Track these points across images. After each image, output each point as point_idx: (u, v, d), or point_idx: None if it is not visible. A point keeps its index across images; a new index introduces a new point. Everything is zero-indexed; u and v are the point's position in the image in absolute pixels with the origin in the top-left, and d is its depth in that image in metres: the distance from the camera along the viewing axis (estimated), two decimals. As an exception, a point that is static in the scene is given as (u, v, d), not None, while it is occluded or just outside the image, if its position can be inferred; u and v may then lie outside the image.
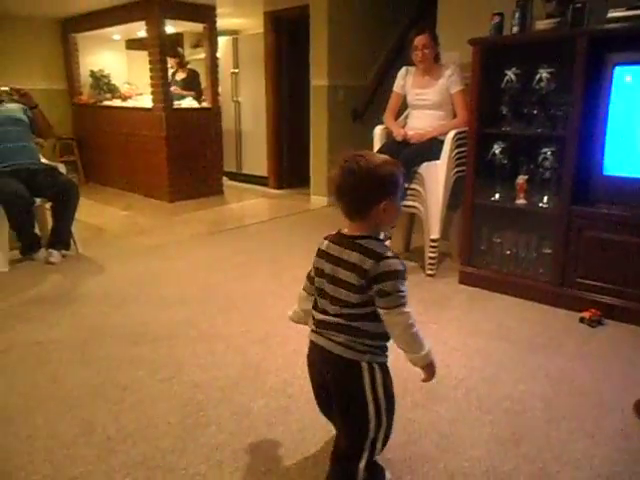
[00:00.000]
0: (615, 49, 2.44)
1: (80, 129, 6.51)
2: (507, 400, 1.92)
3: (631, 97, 2.46)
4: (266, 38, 5.82)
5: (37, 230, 3.58)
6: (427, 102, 3.27)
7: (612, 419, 1.81)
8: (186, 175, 5.53)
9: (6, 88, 3.68)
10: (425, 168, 3.13)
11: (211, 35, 5.59)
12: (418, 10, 5.21)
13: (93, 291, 3.02)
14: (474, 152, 2.93)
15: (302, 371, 1.45)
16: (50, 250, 3.49)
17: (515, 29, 2.75)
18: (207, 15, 5.48)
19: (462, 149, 3.13)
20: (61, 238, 3.55)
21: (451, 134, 3.11)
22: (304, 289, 1.50)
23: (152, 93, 5.32)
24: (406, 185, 3.15)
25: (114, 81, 6.50)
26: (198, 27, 5.66)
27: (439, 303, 2.83)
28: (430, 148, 3.14)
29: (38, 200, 3.49)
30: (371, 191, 1.27)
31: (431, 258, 3.20)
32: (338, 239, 1.35)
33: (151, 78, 5.26)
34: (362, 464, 1.33)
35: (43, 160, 3.78)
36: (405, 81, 3.39)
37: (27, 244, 3.49)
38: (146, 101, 5.61)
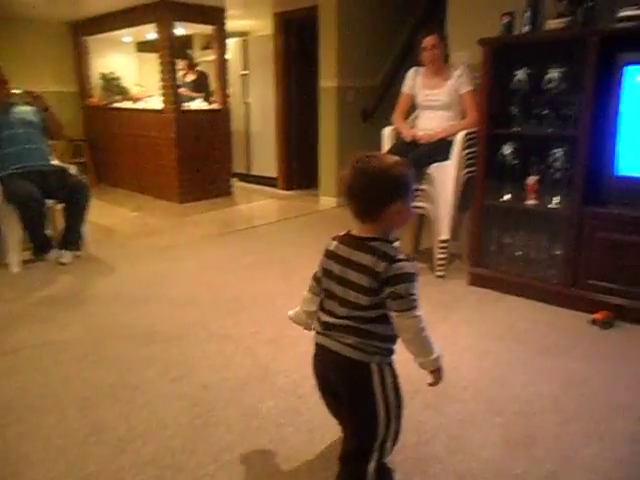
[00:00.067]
0: (626, 48, 2.42)
1: (91, 131, 6.56)
2: (517, 402, 1.91)
3: (642, 97, 2.44)
4: (275, 39, 5.83)
5: (49, 231, 3.62)
6: (436, 103, 3.26)
7: (624, 422, 1.79)
8: (196, 176, 5.55)
9: (19, 91, 3.72)
10: (435, 169, 3.12)
11: (220, 37, 5.61)
12: (426, 11, 5.20)
13: (104, 292, 3.04)
14: (484, 153, 2.92)
15: (312, 372, 1.45)
16: (61, 251, 3.52)
17: (525, 29, 2.74)
18: (216, 17, 5.50)
19: (472, 149, 3.11)
20: (72, 239, 3.58)
21: (461, 135, 3.09)
22: (309, 290, 1.48)
23: (162, 95, 5.35)
24: (416, 186, 3.14)
25: (124, 83, 6.55)
26: (208, 29, 5.69)
27: (448, 304, 2.82)
28: (440, 149, 3.13)
29: (50, 201, 3.53)
30: (383, 192, 1.26)
31: (440, 259, 3.19)
32: (348, 240, 1.34)
33: (161, 80, 5.29)
34: (372, 465, 1.32)
35: (54, 162, 3.81)
36: (414, 82, 3.38)
37: (39, 245, 3.52)
38: (156, 103, 5.64)
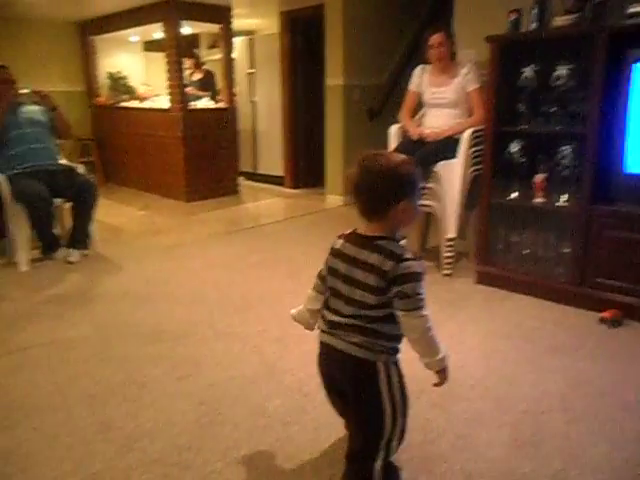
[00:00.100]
0: (635, 45, 2.40)
1: (98, 130, 6.59)
2: (525, 401, 1.90)
3: (652, 94, 2.42)
4: (281, 38, 5.83)
5: (57, 230, 3.64)
6: (443, 100, 3.25)
7: (632, 421, 1.78)
8: (203, 175, 5.56)
9: (27, 90, 3.74)
10: (441, 167, 3.11)
11: (227, 36, 5.62)
12: (433, 8, 5.18)
13: (111, 290, 3.05)
14: (491, 150, 2.91)
15: (317, 371, 1.45)
16: (69, 250, 3.54)
17: (533, 26, 2.72)
18: (223, 16, 5.51)
19: (479, 147, 3.10)
20: (80, 238, 3.60)
21: (468, 132, 3.08)
22: (314, 288, 1.47)
23: (169, 94, 5.36)
24: (422, 184, 3.13)
25: (131, 82, 6.57)
26: (214, 28, 5.69)
27: (456, 303, 2.82)
28: (446, 147, 3.11)
29: (58, 200, 3.55)
30: (390, 191, 1.25)
31: (447, 258, 3.18)
32: (354, 239, 1.33)
33: (168, 79, 5.30)
34: (378, 464, 1.32)
35: (62, 161, 3.83)
36: (421, 79, 3.37)
37: (47, 244, 3.54)
38: (163, 102, 5.65)
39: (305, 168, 6.19)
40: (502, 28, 2.82)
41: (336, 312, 1.35)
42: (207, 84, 6.06)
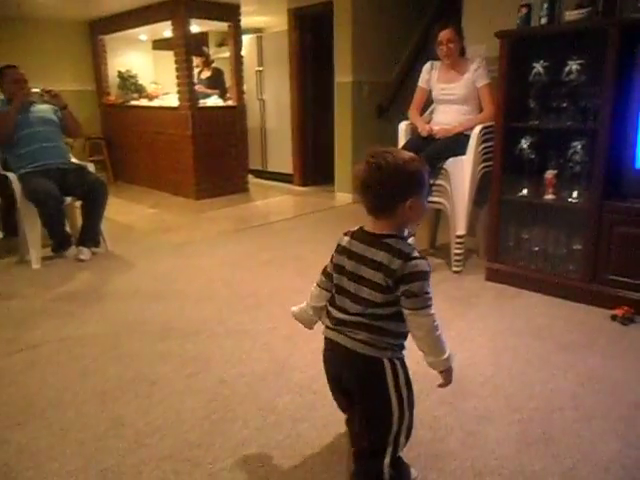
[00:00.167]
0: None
1: (108, 129, 6.63)
2: (535, 398, 1.89)
3: (665, 88, 2.39)
4: (290, 35, 5.83)
5: (68, 228, 3.66)
6: (453, 97, 3.23)
7: (645, 419, 1.77)
8: (212, 173, 5.58)
9: (37, 90, 3.76)
10: (451, 163, 3.09)
11: (236, 34, 5.62)
12: (442, 4, 5.15)
13: (122, 288, 3.07)
14: (501, 147, 2.89)
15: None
16: (80, 247, 3.56)
17: (543, 20, 2.69)
18: (232, 14, 5.51)
19: (489, 144, 3.08)
20: (91, 236, 3.63)
21: (477, 129, 3.06)
22: (318, 285, 1.47)
23: (178, 92, 5.38)
24: (432, 181, 3.12)
25: (141, 81, 6.61)
26: (223, 26, 5.70)
27: (466, 300, 2.80)
28: (456, 143, 3.10)
29: (68, 199, 3.58)
30: (398, 188, 1.24)
31: (457, 255, 3.17)
32: (361, 236, 1.33)
33: (177, 77, 5.32)
34: (387, 460, 1.32)
35: (73, 159, 3.86)
36: (430, 76, 3.35)
37: (58, 242, 3.56)
38: (172, 100, 5.68)
39: (314, 165, 6.19)
40: (512, 23, 2.80)
41: (342, 309, 1.34)
42: (216, 82, 6.07)
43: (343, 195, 5.33)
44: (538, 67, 2.71)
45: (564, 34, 2.73)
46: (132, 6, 5.46)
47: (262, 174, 6.70)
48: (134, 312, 2.71)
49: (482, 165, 3.15)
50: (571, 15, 2.61)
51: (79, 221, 3.73)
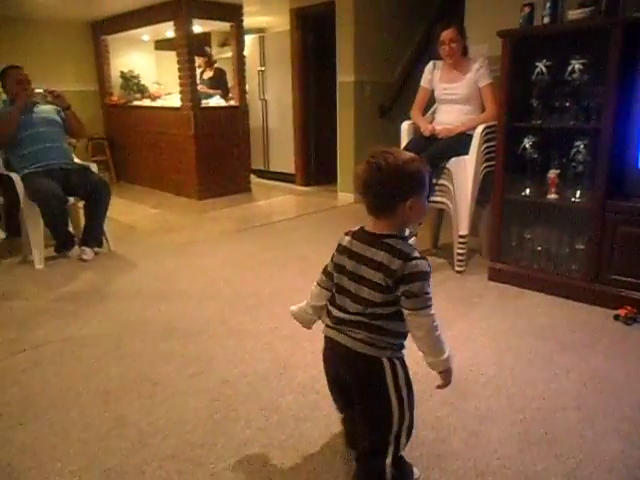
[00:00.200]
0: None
1: (111, 129, 6.64)
2: (539, 399, 1.89)
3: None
4: (292, 35, 5.82)
5: (71, 228, 3.67)
6: (455, 96, 3.23)
7: (648, 419, 1.76)
8: (215, 173, 5.59)
9: (40, 90, 3.77)
10: (453, 163, 3.09)
11: (238, 34, 5.63)
12: (444, 4, 5.14)
13: (124, 288, 3.08)
14: (503, 146, 2.88)
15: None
16: (83, 248, 3.57)
17: (546, 20, 2.69)
18: (234, 14, 5.52)
19: (491, 143, 3.08)
20: (94, 236, 3.64)
21: (480, 128, 3.06)
22: (318, 284, 1.48)
23: (180, 92, 5.39)
24: (434, 181, 3.12)
25: (143, 81, 6.61)
26: (225, 26, 5.71)
27: (468, 300, 2.80)
28: (458, 143, 3.09)
29: (71, 199, 3.58)
30: (398, 188, 1.25)
31: (460, 254, 3.17)
32: (362, 236, 1.33)
33: (179, 78, 5.33)
34: (388, 460, 1.32)
35: (76, 160, 3.86)
36: (433, 75, 3.35)
37: (61, 242, 3.57)
38: (175, 100, 5.68)
39: (316, 165, 6.20)
40: (514, 22, 2.80)
41: (342, 308, 1.35)
42: (218, 82, 6.07)
43: (345, 195, 5.33)
44: (541, 66, 2.70)
45: (567, 33, 2.72)
46: (134, 6, 5.47)
47: (264, 174, 6.71)
48: (137, 312, 2.72)
49: (485, 165, 3.14)
50: (574, 14, 2.60)
51: (82, 221, 3.74)
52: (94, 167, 3.83)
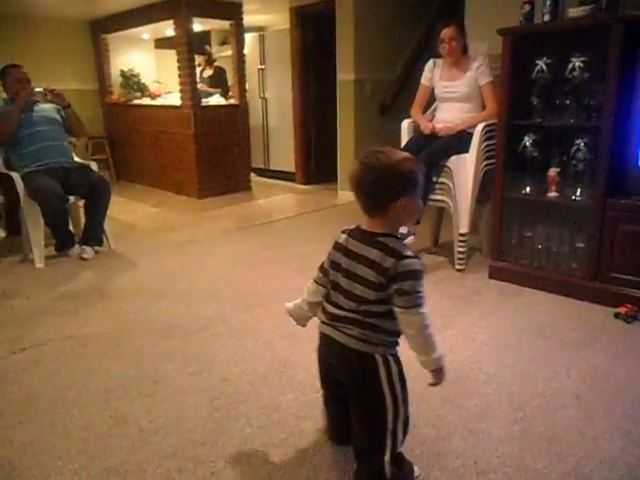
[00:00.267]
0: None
1: (111, 128, 6.64)
2: (539, 397, 1.89)
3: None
4: (292, 34, 5.82)
5: (71, 227, 3.67)
6: (455, 94, 3.22)
7: (649, 417, 1.76)
8: (215, 172, 5.59)
9: (40, 89, 3.77)
10: (454, 161, 3.09)
11: (238, 32, 5.62)
12: (444, 2, 5.13)
13: (125, 286, 3.08)
14: (504, 144, 2.88)
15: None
16: (83, 246, 3.57)
17: (546, 17, 2.68)
18: (234, 12, 5.51)
19: (491, 142, 3.08)
20: (94, 235, 3.64)
21: (480, 126, 3.05)
22: (315, 280, 1.50)
23: (180, 91, 5.38)
24: (434, 179, 3.12)
25: (143, 80, 6.60)
26: (225, 24, 5.70)
27: (469, 298, 2.80)
28: (459, 141, 3.09)
29: (71, 198, 3.58)
30: (390, 187, 1.27)
31: (460, 253, 3.16)
32: (357, 234, 1.35)
33: (179, 76, 5.33)
34: (387, 457, 1.33)
35: (76, 158, 3.86)
36: (433, 74, 3.35)
37: (61, 241, 3.57)
38: (175, 99, 5.68)
39: (316, 164, 6.19)
40: (515, 20, 2.79)
41: (336, 305, 1.37)
42: (218, 81, 6.07)
43: (346, 193, 5.32)
44: (541, 64, 2.70)
45: (567, 31, 2.72)
46: (134, 5, 5.46)
47: (265, 172, 6.70)
48: (137, 311, 2.72)
49: (485, 163, 3.14)
50: (574, 12, 2.60)
51: (82, 220, 3.74)
52: (94, 166, 3.83)
